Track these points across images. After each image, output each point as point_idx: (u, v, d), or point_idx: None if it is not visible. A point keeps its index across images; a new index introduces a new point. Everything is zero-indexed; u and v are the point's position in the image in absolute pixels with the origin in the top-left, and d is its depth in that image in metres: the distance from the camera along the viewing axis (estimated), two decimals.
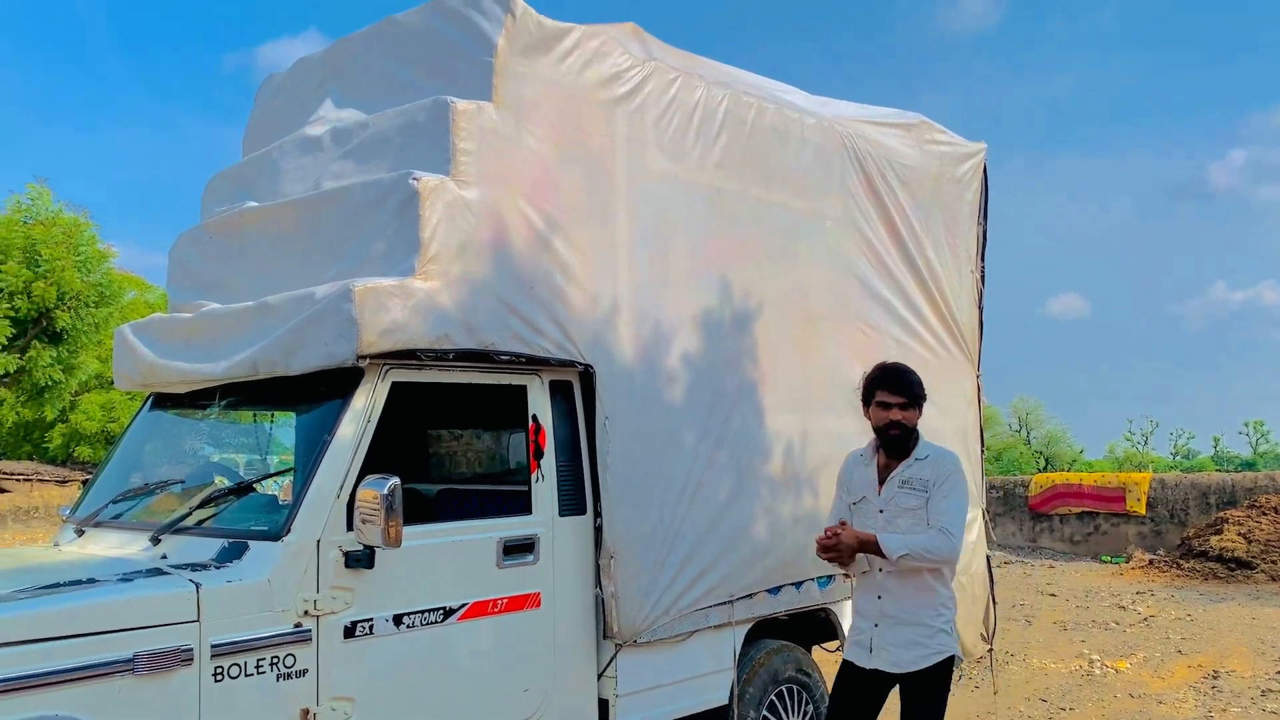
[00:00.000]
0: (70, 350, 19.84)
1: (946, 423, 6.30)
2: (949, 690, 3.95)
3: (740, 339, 5.06)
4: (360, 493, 3.45)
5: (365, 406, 3.72)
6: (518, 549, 4.11)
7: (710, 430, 4.83)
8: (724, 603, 4.80)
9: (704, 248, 4.90)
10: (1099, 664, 8.70)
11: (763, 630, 5.12)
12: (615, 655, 4.38)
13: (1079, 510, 18.67)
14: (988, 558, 6.69)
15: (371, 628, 3.64)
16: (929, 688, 3.88)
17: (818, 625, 5.57)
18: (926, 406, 6.05)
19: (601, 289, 4.42)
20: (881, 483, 3.97)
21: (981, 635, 6.55)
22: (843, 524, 3.93)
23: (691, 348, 4.80)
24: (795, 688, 5.21)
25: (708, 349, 4.88)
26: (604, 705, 4.39)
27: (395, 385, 3.82)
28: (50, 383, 19.63)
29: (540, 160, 4.23)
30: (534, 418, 4.25)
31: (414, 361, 3.84)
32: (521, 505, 4.22)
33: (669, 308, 4.72)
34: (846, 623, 5.49)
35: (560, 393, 4.38)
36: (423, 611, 3.80)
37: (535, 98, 4.23)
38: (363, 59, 4.76)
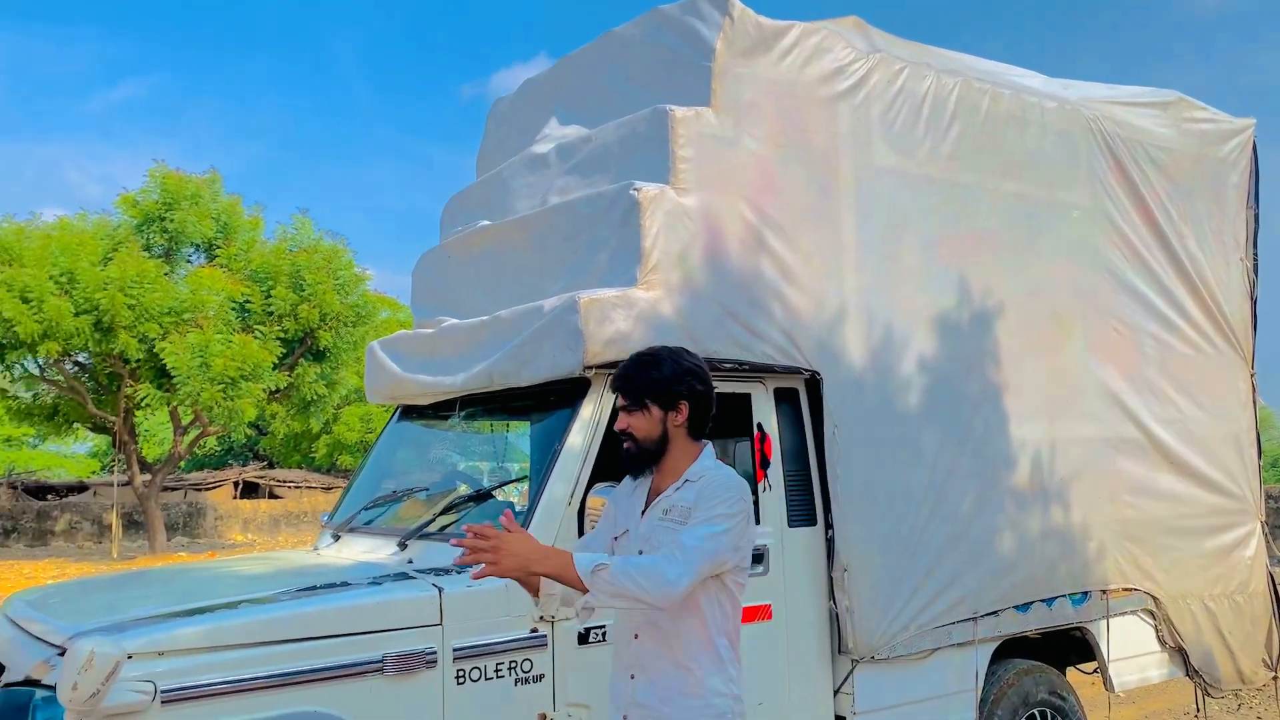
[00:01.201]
0: (332, 367, 21.49)
1: (1217, 426, 5.74)
2: None
3: (980, 340, 4.78)
4: (590, 500, 3.48)
5: (592, 416, 3.76)
6: None
7: (949, 438, 4.59)
8: (967, 619, 4.54)
9: (938, 244, 4.68)
10: None
11: (1011, 649, 4.80)
12: (852, 671, 4.22)
13: None
14: (1270, 575, 6.02)
15: (605, 635, 3.65)
16: None
17: (1073, 645, 5.17)
18: (1191, 409, 5.57)
19: (827, 292, 4.29)
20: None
21: (1264, 661, 5.90)
22: (507, 514, 2.67)
23: (926, 351, 4.58)
24: (1048, 711, 4.86)
25: (944, 352, 4.64)
26: None
27: None
28: (315, 397, 21.32)
29: (761, 162, 4.15)
30: (759, 426, 4.17)
31: None
32: None
33: (901, 309, 4.52)
34: (1104, 643, 5.09)
35: (786, 400, 4.28)
36: None
37: (755, 99, 4.17)
38: (585, 75, 4.85)
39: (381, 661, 3.23)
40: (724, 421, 4.65)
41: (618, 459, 3.98)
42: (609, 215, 3.97)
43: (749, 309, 4.07)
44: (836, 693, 4.25)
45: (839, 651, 4.24)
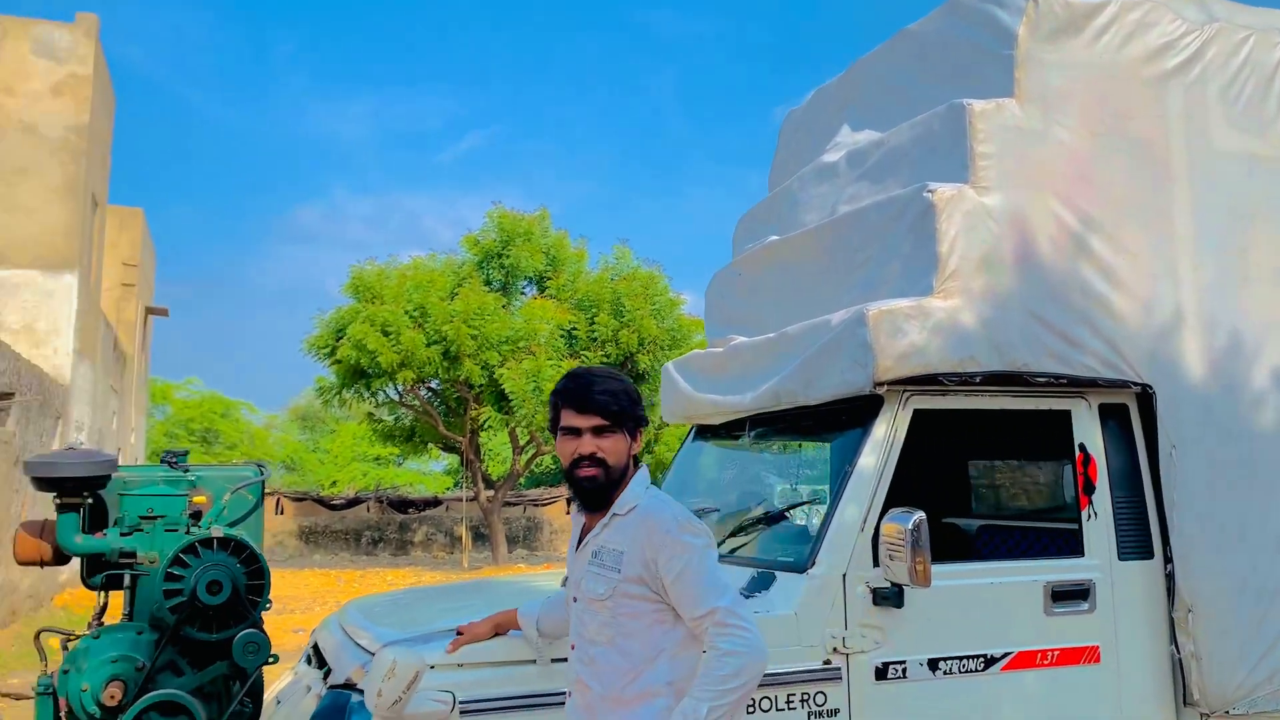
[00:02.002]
0: (651, 389, 22.23)
1: None
2: None
3: None
4: (884, 527, 3.26)
5: (886, 436, 3.53)
6: (1069, 595, 3.63)
7: None
8: None
9: None
10: None
11: None
12: None
13: None
14: None
15: (905, 671, 3.41)
16: None
17: None
18: None
19: (1158, 295, 3.80)
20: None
21: None
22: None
23: None
24: None
25: None
26: None
27: (917, 413, 3.58)
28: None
29: (1073, 154, 3.76)
30: (1081, 447, 3.75)
31: (937, 387, 3.58)
32: (1070, 546, 3.74)
33: (1250, 312, 3.93)
34: None
35: (1113, 417, 3.83)
36: (960, 658, 3.49)
37: (1065, 85, 3.78)
38: (877, 77, 4.64)
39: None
40: (1040, 441, 4.25)
41: (914, 482, 3.74)
42: (901, 221, 3.74)
43: (1065, 317, 3.68)
44: None
45: (1183, 703, 3.71)
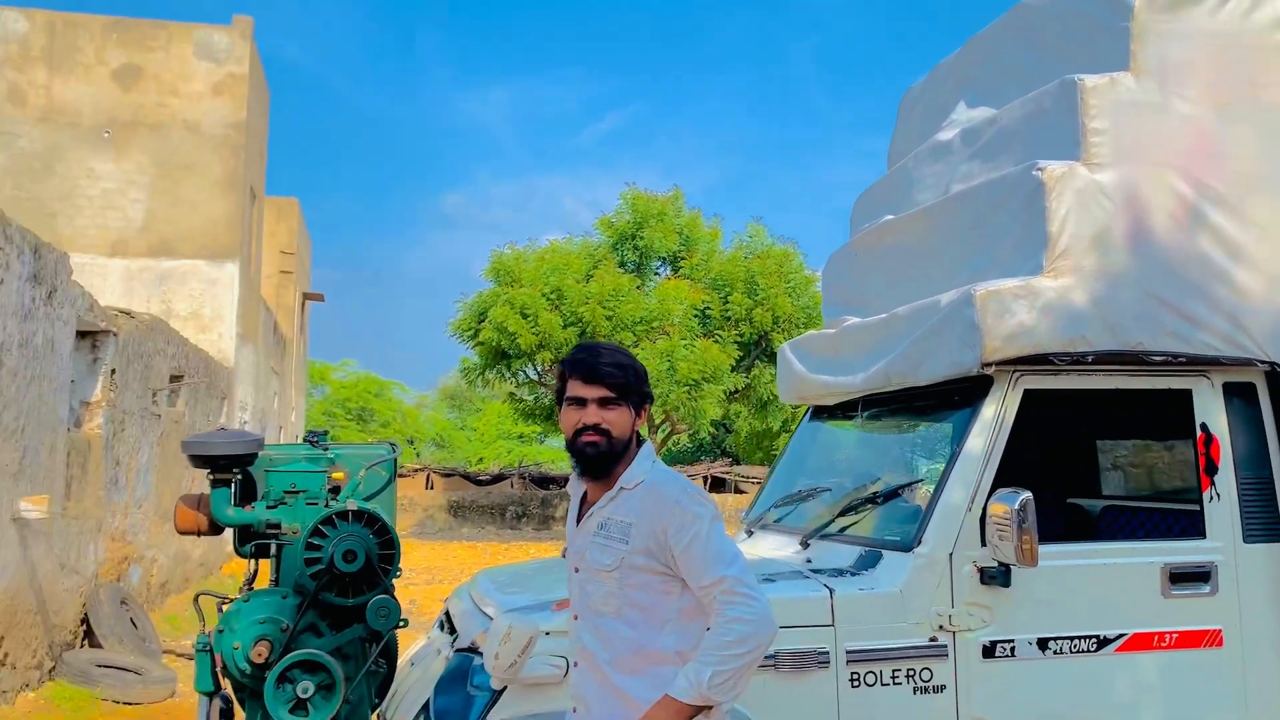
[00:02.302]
0: None
1: None
2: None
3: None
4: (990, 507, 3.28)
5: (995, 416, 3.54)
6: (1188, 577, 3.57)
7: None
8: None
9: None
10: None
11: None
12: None
13: None
14: None
15: (1012, 649, 3.42)
16: None
17: None
18: None
19: None
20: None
21: None
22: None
23: None
24: None
25: None
26: None
27: (1028, 393, 3.57)
28: (771, 397, 22.10)
29: (1194, 127, 3.66)
30: (1203, 426, 3.66)
31: (1048, 366, 3.56)
32: (1191, 527, 3.66)
33: None
34: None
35: (1239, 396, 3.72)
36: (1071, 638, 3.48)
37: (1184, 57, 3.68)
38: (993, 54, 4.58)
39: (775, 658, 3.28)
40: (1158, 421, 4.16)
41: (1024, 462, 3.72)
42: (1011, 200, 3.71)
43: (1183, 294, 3.60)
44: None
45: None
